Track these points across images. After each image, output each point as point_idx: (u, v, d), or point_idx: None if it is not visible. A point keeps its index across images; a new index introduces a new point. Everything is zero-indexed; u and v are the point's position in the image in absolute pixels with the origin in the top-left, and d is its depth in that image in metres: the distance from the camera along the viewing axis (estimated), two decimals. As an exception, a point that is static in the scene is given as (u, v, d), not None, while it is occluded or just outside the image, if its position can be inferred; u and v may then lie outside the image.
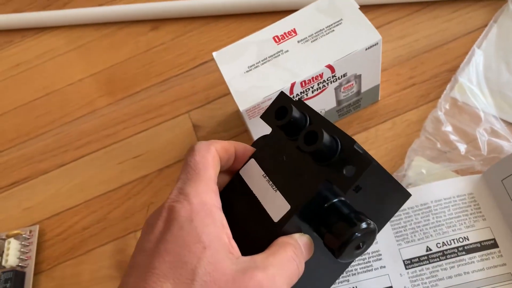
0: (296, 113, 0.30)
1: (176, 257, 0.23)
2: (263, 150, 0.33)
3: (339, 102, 0.47)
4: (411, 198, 0.34)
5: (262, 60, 0.43)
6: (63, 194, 0.54)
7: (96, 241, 0.50)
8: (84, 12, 0.66)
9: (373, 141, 0.49)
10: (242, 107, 0.42)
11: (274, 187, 0.30)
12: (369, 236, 0.29)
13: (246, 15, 0.61)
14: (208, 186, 0.27)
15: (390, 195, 0.33)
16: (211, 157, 0.29)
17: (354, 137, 0.45)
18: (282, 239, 0.27)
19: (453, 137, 0.46)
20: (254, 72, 0.43)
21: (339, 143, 0.28)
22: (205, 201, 0.26)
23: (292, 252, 0.27)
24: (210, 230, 0.25)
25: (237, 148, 0.32)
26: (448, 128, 0.47)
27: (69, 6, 0.69)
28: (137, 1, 0.66)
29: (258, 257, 0.26)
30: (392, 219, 0.40)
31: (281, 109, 0.31)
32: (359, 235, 0.28)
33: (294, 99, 0.38)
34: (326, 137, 0.27)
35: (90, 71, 0.62)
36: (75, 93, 0.61)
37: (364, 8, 0.56)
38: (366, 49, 0.42)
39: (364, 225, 0.28)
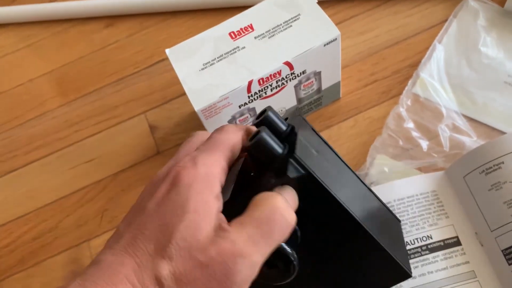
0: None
1: (163, 220, 0.24)
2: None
3: (299, 100, 0.46)
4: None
5: (218, 57, 0.41)
6: (12, 202, 0.50)
7: (47, 251, 0.47)
8: (34, 8, 0.63)
9: (336, 139, 0.47)
10: (197, 107, 0.40)
11: None
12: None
13: (205, 11, 0.59)
14: (219, 162, 0.27)
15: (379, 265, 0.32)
16: (236, 140, 0.28)
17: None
18: (259, 196, 0.26)
19: (415, 134, 0.45)
20: (209, 70, 0.41)
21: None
22: (210, 173, 0.26)
23: (271, 204, 0.26)
24: (200, 198, 0.25)
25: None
26: (410, 124, 0.46)
27: (17, 3, 0.65)
28: (90, -3, 0.63)
29: (235, 224, 0.25)
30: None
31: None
32: None
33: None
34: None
35: (41, 71, 0.59)
36: (25, 94, 0.57)
37: (324, 3, 0.55)
38: (324, 45, 0.40)
39: None
